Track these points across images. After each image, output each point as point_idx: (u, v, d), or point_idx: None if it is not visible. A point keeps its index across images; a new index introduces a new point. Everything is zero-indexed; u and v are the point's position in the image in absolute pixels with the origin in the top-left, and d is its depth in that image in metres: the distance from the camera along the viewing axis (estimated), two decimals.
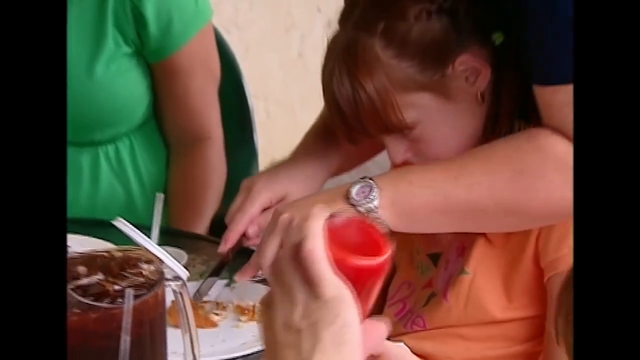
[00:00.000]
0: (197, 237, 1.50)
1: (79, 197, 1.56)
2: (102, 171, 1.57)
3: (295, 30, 3.49)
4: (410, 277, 1.30)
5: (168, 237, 1.42)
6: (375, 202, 1.06)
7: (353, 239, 0.80)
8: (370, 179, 1.07)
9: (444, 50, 1.12)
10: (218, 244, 1.42)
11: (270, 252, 1.07)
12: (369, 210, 1.06)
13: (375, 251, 0.79)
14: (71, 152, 1.54)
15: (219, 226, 1.59)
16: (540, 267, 1.16)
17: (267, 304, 0.78)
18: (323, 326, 0.73)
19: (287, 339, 0.74)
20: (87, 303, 0.87)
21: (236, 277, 1.18)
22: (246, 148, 1.79)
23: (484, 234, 1.19)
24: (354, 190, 1.06)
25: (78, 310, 0.87)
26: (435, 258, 1.27)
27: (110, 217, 1.23)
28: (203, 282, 1.20)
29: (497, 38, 1.11)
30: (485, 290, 1.19)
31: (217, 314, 1.17)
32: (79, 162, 1.56)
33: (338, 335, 0.72)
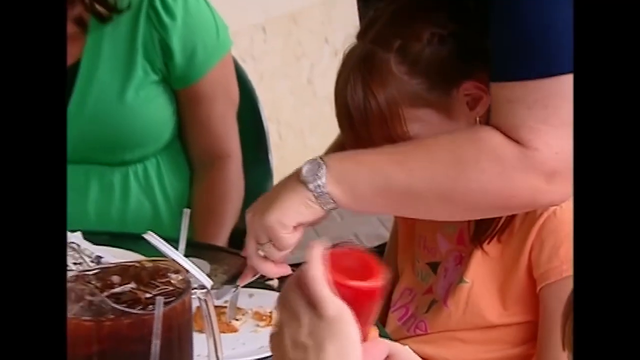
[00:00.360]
0: (219, 248, 1.52)
1: (111, 212, 1.58)
2: (132, 188, 1.59)
3: (305, 60, 3.50)
4: (412, 284, 1.32)
5: (192, 249, 1.44)
6: (323, 179, 1.05)
7: (351, 266, 0.83)
8: (321, 158, 1.07)
9: (451, 73, 1.15)
10: (237, 255, 1.44)
11: (249, 248, 1.11)
12: (317, 187, 1.05)
13: (372, 276, 0.82)
14: (103, 171, 1.58)
15: (237, 238, 1.62)
16: (533, 278, 1.18)
17: (276, 327, 0.81)
18: (328, 342, 0.76)
19: (295, 356, 0.77)
20: (120, 309, 0.89)
21: (239, 281, 1.19)
22: (262, 166, 1.81)
23: (480, 244, 1.21)
24: (305, 169, 1.06)
25: (112, 316, 0.89)
26: (434, 266, 1.29)
27: (139, 230, 1.26)
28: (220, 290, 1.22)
29: None
30: (483, 297, 1.21)
31: (237, 320, 1.19)
32: (111, 180, 1.58)
33: (341, 349, 0.75)
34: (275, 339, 0.81)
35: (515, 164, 1.03)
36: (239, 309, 1.21)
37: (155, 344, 0.87)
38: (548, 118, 1.01)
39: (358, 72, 1.16)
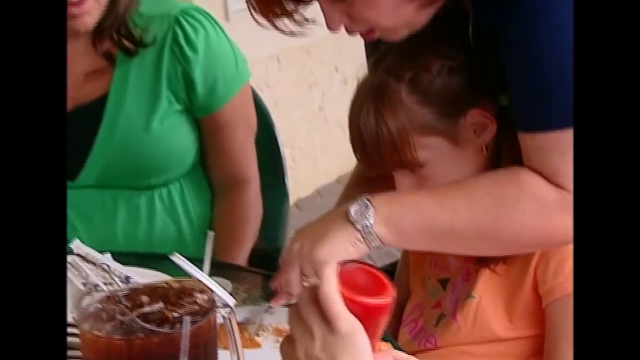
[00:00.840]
0: (239, 268, 1.50)
1: (137, 234, 1.57)
2: (157, 211, 1.58)
3: (316, 88, 3.52)
4: (422, 299, 1.31)
5: (214, 268, 1.42)
6: (371, 220, 1.04)
7: (362, 282, 0.82)
8: (367, 199, 1.06)
9: (458, 103, 1.13)
10: (257, 274, 1.44)
11: (293, 277, 1.08)
12: (365, 227, 1.04)
13: (381, 292, 0.82)
14: (130, 195, 1.56)
15: (257, 257, 1.61)
16: (539, 294, 1.16)
17: (289, 341, 0.80)
18: (341, 356, 0.75)
19: None
20: (150, 328, 0.88)
21: (272, 303, 1.17)
22: (279, 190, 1.79)
23: (487, 265, 1.19)
24: (353, 210, 1.05)
25: (142, 335, 0.88)
26: (444, 283, 1.27)
27: (164, 250, 1.25)
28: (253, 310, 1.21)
29: (503, 100, 1.12)
30: (490, 312, 1.19)
31: (259, 336, 1.17)
32: (138, 204, 1.57)
33: None
34: (288, 352, 0.80)
35: (554, 206, 1.01)
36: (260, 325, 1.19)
37: None
38: None
39: (371, 100, 1.15)
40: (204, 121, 1.58)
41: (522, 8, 1.00)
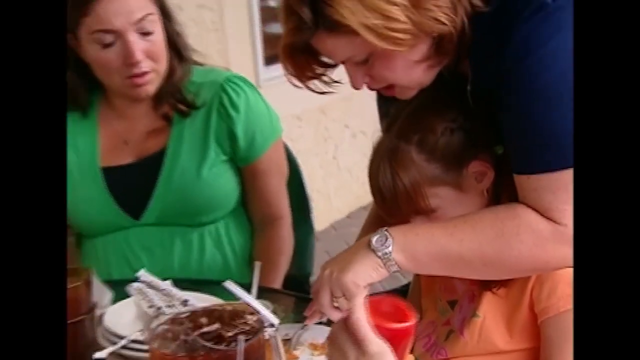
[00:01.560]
0: (276, 291, 1.48)
1: (190, 263, 1.54)
2: (207, 244, 1.55)
3: (330, 141, 3.53)
4: (434, 317, 1.27)
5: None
6: (390, 248, 1.01)
7: (387, 310, 0.81)
8: (387, 230, 1.03)
9: (460, 157, 1.10)
10: (290, 295, 1.41)
11: (324, 299, 1.04)
12: (385, 255, 1.01)
13: (404, 318, 0.80)
14: (185, 231, 1.54)
15: (289, 282, 1.59)
16: (534, 312, 1.12)
17: None
18: None
19: None
20: (209, 347, 0.86)
21: (307, 322, 1.13)
22: (306, 225, 1.77)
23: (490, 288, 1.16)
24: (374, 240, 1.02)
25: (203, 353, 0.85)
26: (452, 304, 1.24)
27: (213, 277, 1.23)
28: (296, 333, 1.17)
29: (498, 149, 1.10)
30: (493, 329, 1.16)
31: (296, 350, 1.14)
32: (190, 238, 1.54)
33: None
34: None
35: (549, 237, 0.98)
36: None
37: None
38: (570, 199, 0.96)
39: (387, 161, 1.12)
40: (244, 169, 1.56)
41: (514, 75, 0.98)
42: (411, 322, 0.79)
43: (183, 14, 2.74)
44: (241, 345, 0.84)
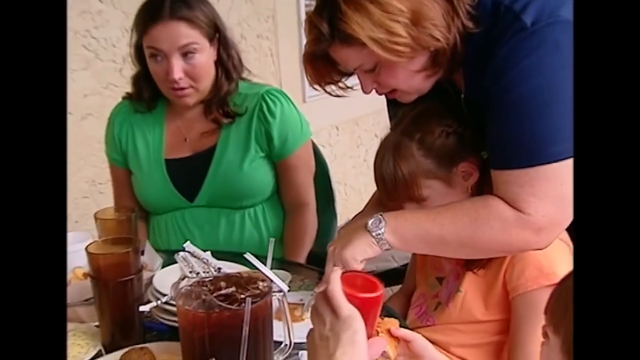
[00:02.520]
0: (300, 265, 1.42)
1: (232, 239, 1.50)
2: (246, 224, 1.51)
3: (362, 147, 3.47)
4: (425, 291, 1.21)
5: (283, 264, 1.36)
6: (383, 230, 0.96)
7: (360, 284, 0.78)
8: (381, 214, 0.98)
9: (452, 157, 1.05)
10: (313, 270, 1.35)
11: (329, 271, 0.99)
12: (378, 235, 0.96)
13: (373, 290, 0.76)
14: (229, 212, 1.50)
15: (313, 258, 1.52)
16: (507, 290, 1.06)
17: (311, 330, 0.76)
18: (342, 333, 0.70)
19: (320, 344, 0.71)
20: (223, 306, 0.82)
21: (316, 290, 1.07)
22: (330, 213, 1.70)
23: (471, 269, 1.09)
24: (370, 222, 0.97)
25: (217, 310, 0.81)
26: (440, 280, 1.18)
27: (250, 251, 1.18)
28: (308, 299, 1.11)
29: (484, 154, 1.04)
30: (472, 302, 1.10)
31: (308, 311, 1.07)
32: (233, 219, 1.50)
33: (351, 337, 0.69)
34: (309, 336, 0.75)
35: (514, 223, 0.92)
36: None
37: (245, 330, 0.79)
38: (534, 193, 0.90)
39: (390, 153, 1.07)
40: (278, 164, 1.51)
41: (495, 88, 0.92)
42: (378, 293, 0.75)
43: (245, 42, 2.73)
44: (248, 305, 0.80)
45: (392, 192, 1.08)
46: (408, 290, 1.29)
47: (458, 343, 1.11)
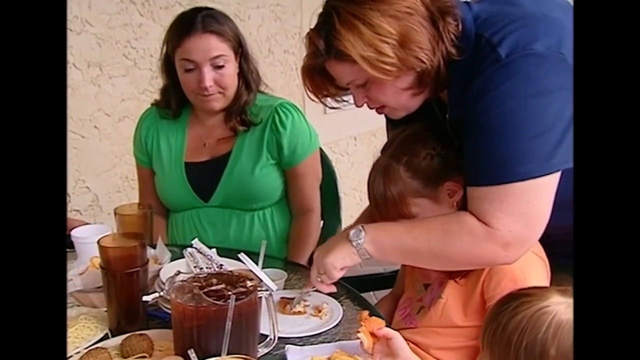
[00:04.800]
0: (302, 266, 1.42)
1: (242, 238, 1.51)
2: (255, 224, 1.52)
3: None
4: (411, 295, 1.21)
5: (285, 265, 1.37)
6: (362, 240, 0.97)
7: None
8: (362, 226, 0.99)
9: (438, 177, 1.05)
10: (309, 270, 1.35)
11: (313, 275, 1.04)
12: (358, 245, 0.97)
13: None
14: (240, 214, 1.51)
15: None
16: (484, 298, 1.05)
17: None
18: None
19: None
20: (210, 301, 0.83)
21: (303, 290, 1.11)
22: (335, 218, 1.70)
23: (453, 278, 1.08)
24: (351, 233, 0.98)
25: (205, 305, 0.83)
26: (426, 286, 1.17)
27: (258, 251, 1.18)
28: (297, 296, 1.12)
29: None
30: (452, 308, 1.09)
31: (300, 305, 1.10)
32: (244, 220, 1.51)
33: None
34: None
35: (483, 237, 0.91)
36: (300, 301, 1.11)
37: (228, 324, 0.81)
38: (502, 209, 0.90)
39: (381, 175, 1.08)
40: (287, 171, 1.52)
41: (471, 112, 0.92)
42: None
43: (273, 57, 2.76)
44: (232, 302, 0.81)
45: (383, 210, 1.08)
46: (397, 293, 1.29)
47: (437, 345, 1.10)
